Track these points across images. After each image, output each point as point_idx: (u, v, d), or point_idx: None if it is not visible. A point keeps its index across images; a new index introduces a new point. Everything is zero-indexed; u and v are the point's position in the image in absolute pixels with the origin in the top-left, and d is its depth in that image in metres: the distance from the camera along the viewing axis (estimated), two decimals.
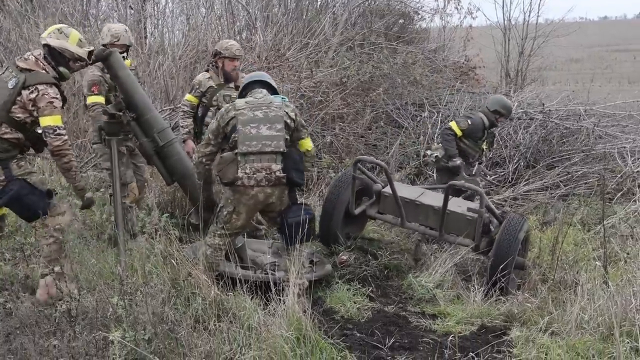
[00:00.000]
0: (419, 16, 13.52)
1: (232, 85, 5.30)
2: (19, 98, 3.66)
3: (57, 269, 3.77)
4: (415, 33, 12.24)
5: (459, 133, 6.10)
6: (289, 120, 3.99)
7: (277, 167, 3.89)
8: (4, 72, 3.81)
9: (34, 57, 3.78)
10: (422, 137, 8.31)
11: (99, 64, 4.50)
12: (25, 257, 4.26)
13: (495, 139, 6.15)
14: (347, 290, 4.50)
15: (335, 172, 7.44)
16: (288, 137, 4.00)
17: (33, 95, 3.66)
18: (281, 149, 3.90)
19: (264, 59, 7.58)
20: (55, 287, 3.64)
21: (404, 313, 4.29)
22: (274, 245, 4.96)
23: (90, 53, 4.00)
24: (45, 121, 3.67)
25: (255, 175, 3.85)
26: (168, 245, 3.76)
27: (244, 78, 4.39)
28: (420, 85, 9.47)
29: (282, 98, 4.07)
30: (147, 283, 3.44)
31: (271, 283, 3.75)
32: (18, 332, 3.16)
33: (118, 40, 4.84)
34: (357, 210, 5.25)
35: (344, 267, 4.91)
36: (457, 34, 14.43)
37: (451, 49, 13.86)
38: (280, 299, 3.55)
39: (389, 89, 9.15)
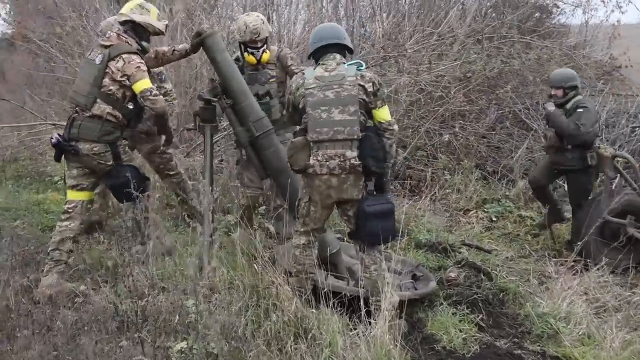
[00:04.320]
0: (559, 9, 12.17)
1: None
2: (107, 71, 3.74)
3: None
4: (553, 28, 10.90)
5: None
6: (365, 97, 3.33)
7: (352, 154, 3.29)
8: (90, 54, 3.92)
9: (115, 34, 3.87)
10: None
11: None
12: (117, 241, 4.08)
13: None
14: (453, 314, 3.80)
15: (452, 175, 6.70)
16: (364, 118, 3.37)
17: (120, 64, 3.73)
18: (356, 136, 3.29)
19: (380, 48, 6.95)
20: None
21: (519, 351, 3.50)
22: None
23: (166, 26, 4.07)
24: (139, 86, 3.72)
25: (327, 163, 3.28)
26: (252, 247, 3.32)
27: (311, 35, 3.64)
28: None
29: (358, 67, 3.41)
30: (225, 288, 3.02)
31: (361, 299, 3.20)
32: (86, 328, 2.88)
33: (258, 36, 4.29)
34: (611, 218, 4.96)
35: (451, 286, 4.23)
36: (602, 30, 12.81)
37: (593, 47, 12.33)
38: (369, 322, 2.99)
39: (518, 87, 8.14)
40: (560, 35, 11.06)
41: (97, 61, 3.76)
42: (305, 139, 3.32)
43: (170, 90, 4.70)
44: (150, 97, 3.72)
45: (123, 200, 3.84)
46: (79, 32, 8.53)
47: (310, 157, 3.29)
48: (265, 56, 4.30)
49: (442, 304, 3.94)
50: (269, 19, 8.87)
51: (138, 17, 3.87)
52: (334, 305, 3.18)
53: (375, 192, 3.36)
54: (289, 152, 3.39)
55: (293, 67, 4.33)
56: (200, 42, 3.91)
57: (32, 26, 10.15)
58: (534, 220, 6.08)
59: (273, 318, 2.86)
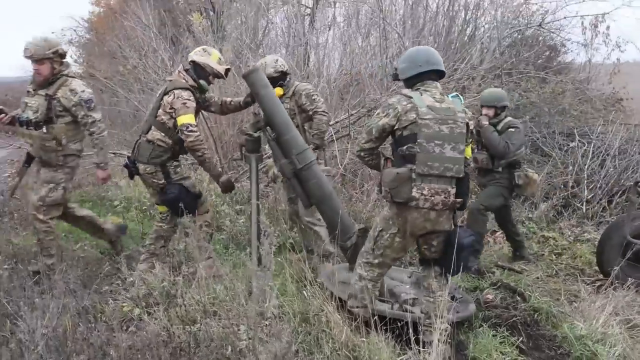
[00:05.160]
0: (565, 48, 11.71)
1: None
2: (161, 102, 3.72)
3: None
4: (563, 65, 10.44)
5: None
6: (468, 135, 2.91)
7: (453, 190, 2.85)
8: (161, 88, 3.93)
9: (177, 72, 3.86)
10: (570, 167, 6.79)
11: None
12: (174, 265, 3.75)
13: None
14: (493, 336, 3.36)
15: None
16: None
17: (170, 99, 3.66)
18: (461, 174, 2.85)
19: None
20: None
21: None
22: (413, 274, 3.97)
23: (227, 70, 3.91)
24: (180, 120, 3.62)
25: (432, 198, 2.80)
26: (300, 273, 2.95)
27: (408, 55, 3.02)
28: (569, 115, 7.87)
29: (461, 101, 2.97)
30: (276, 315, 2.65)
31: (409, 323, 2.81)
32: (139, 356, 2.53)
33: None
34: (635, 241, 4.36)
35: (489, 307, 3.78)
36: (604, 68, 12.27)
37: (595, 82, 11.79)
38: (419, 350, 2.59)
39: (534, 117, 7.71)
40: (568, 72, 10.60)
41: (157, 94, 3.80)
42: (410, 171, 2.81)
43: (99, 120, 3.96)
44: (186, 132, 3.59)
45: (176, 214, 3.75)
46: (139, 70, 8.41)
47: (414, 190, 2.79)
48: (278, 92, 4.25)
49: (481, 326, 3.51)
50: (308, 58, 8.64)
51: (198, 58, 3.81)
52: (380, 330, 2.79)
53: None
54: (392, 184, 2.82)
55: (306, 106, 4.24)
56: (244, 76, 3.57)
57: (99, 66, 10.12)
58: (556, 241, 5.61)
59: (325, 350, 2.46)
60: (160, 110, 3.71)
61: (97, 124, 3.91)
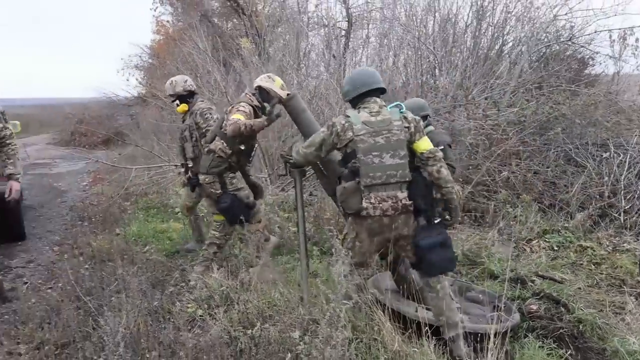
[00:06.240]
0: (594, 61, 11.18)
1: None
2: (225, 116, 3.84)
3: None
4: (595, 77, 9.96)
5: None
6: (410, 137, 2.83)
7: (403, 195, 2.79)
8: None
9: (245, 94, 4.02)
10: (605, 177, 6.41)
11: None
12: (229, 270, 3.73)
13: None
14: (540, 348, 3.15)
15: (512, 208, 6.00)
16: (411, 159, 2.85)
17: (229, 108, 3.88)
18: (407, 178, 2.80)
19: (449, 98, 6.41)
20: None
21: None
22: (455, 283, 3.80)
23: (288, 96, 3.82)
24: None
25: (380, 205, 2.77)
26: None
27: (349, 79, 3.01)
28: (602, 127, 7.47)
29: (400, 110, 2.90)
30: (330, 323, 2.55)
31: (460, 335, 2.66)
32: (205, 357, 2.50)
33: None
34: None
35: (533, 318, 3.56)
36: (632, 79, 11.65)
37: (626, 93, 11.20)
38: None
39: (565, 129, 7.35)
40: (598, 84, 10.10)
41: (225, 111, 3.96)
42: (356, 183, 2.81)
43: (13, 132, 3.58)
44: (229, 120, 3.68)
45: (231, 222, 3.88)
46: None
47: (363, 200, 2.79)
48: (178, 109, 4.65)
49: (527, 336, 3.30)
50: (344, 73, 8.55)
51: (263, 84, 3.90)
52: (429, 338, 2.66)
53: (428, 225, 2.88)
54: (340, 197, 2.86)
55: (200, 124, 4.41)
56: (284, 103, 3.55)
57: (160, 87, 10.37)
58: (594, 251, 5.29)
59: (380, 353, 2.35)
60: (225, 122, 3.83)
61: (13, 135, 3.60)
